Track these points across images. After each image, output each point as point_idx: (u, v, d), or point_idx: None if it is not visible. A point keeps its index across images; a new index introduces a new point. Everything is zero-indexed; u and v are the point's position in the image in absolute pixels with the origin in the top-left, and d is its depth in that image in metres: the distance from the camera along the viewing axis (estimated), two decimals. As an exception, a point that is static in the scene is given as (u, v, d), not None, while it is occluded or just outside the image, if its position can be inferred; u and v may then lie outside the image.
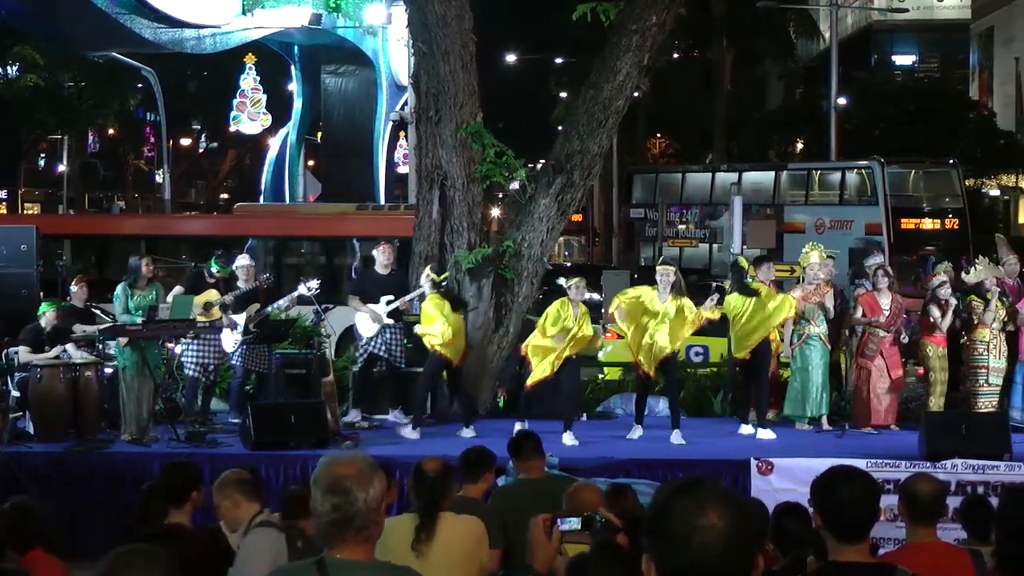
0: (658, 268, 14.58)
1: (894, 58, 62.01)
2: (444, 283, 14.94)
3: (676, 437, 13.88)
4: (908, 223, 30.73)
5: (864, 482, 4.69)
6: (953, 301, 14.62)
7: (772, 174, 35.78)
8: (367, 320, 15.29)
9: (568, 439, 13.75)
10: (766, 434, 14.06)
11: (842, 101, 42.76)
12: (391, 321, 15.27)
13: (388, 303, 15.28)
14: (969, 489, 11.72)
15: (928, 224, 31.23)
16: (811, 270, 15.03)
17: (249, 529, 6.94)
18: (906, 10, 53.92)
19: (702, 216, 37.99)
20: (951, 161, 34.08)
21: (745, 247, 21.53)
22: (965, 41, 58.61)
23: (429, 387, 14.99)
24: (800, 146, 50.55)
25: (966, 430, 12.76)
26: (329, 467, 4.16)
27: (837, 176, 33.79)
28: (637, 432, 14.19)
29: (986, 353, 14.61)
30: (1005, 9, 54.15)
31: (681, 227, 39.37)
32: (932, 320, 14.66)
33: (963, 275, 15.53)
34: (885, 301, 14.85)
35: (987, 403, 14.49)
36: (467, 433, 14.11)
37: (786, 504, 7.37)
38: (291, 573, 4.33)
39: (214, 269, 15.49)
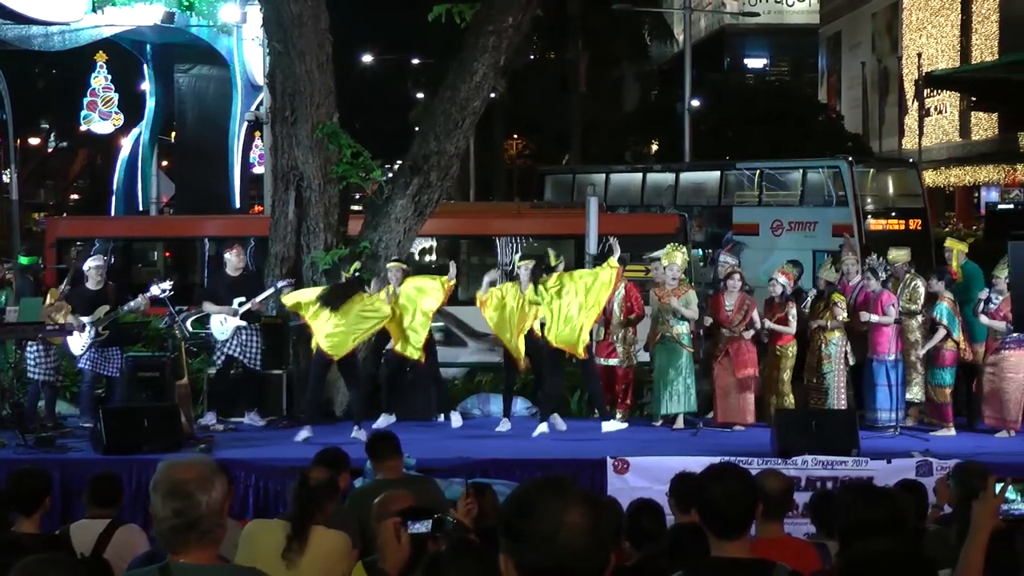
0: (519, 263, 14.91)
1: (746, 61, 63.16)
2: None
3: (610, 425, 14.35)
4: (877, 224, 29.36)
5: (739, 478, 4.76)
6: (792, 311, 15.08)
7: (717, 174, 34.21)
8: (219, 322, 15.16)
9: (456, 420, 14.90)
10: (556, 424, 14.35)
11: (696, 103, 43.39)
12: (244, 323, 15.16)
13: (240, 304, 15.15)
14: (818, 484, 11.94)
15: (894, 225, 29.95)
16: (669, 271, 15.22)
17: None
18: (757, 14, 54.91)
19: None
20: (911, 161, 33.75)
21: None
22: (814, 45, 59.89)
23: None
24: (655, 147, 51.17)
25: (816, 427, 13.04)
26: (169, 471, 4.09)
27: (795, 176, 32.39)
28: (506, 425, 14.75)
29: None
30: (852, 15, 55.45)
31: None
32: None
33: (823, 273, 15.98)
34: (730, 301, 15.14)
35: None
36: (455, 421, 14.89)
37: (640, 501, 7.45)
38: (134, 580, 4.27)
39: (24, 263, 15.22)
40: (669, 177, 35.33)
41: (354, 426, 13.93)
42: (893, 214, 29.98)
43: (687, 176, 35.26)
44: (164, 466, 4.13)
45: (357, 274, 14.40)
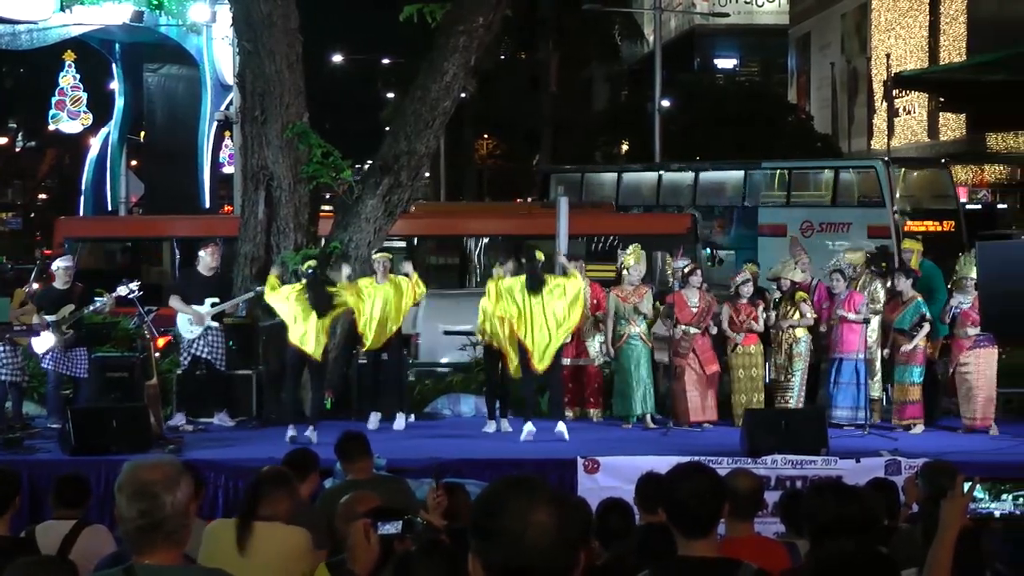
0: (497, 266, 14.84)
1: (716, 61, 63.35)
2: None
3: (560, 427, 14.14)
4: (915, 225, 28.33)
5: (707, 478, 4.78)
6: (764, 312, 15.11)
7: (740, 173, 33.30)
8: (188, 322, 15.10)
9: (399, 422, 14.68)
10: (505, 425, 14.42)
11: (666, 103, 43.47)
12: (215, 324, 15.12)
13: (213, 305, 15.10)
14: (788, 484, 11.97)
15: (929, 226, 28.88)
16: (635, 271, 15.33)
17: None
18: (727, 15, 55.06)
19: None
20: (943, 161, 33.32)
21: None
22: (784, 46, 60.11)
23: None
24: (626, 147, 51.24)
25: (785, 426, 13.08)
26: (134, 472, 4.07)
27: (827, 175, 31.60)
28: (492, 426, 14.78)
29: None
30: (821, 16, 55.67)
31: None
32: (720, 322, 15.14)
33: (771, 269, 16.05)
34: (694, 299, 15.21)
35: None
36: (398, 423, 14.76)
37: (610, 500, 7.46)
38: (97, 581, 4.24)
39: None
40: (687, 177, 34.50)
41: (310, 427, 13.87)
42: (941, 215, 29.22)
43: (708, 176, 34.46)
44: (129, 467, 4.10)
45: (311, 271, 14.30)
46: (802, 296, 15.07)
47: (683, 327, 15.04)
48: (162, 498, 4.00)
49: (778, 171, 32.90)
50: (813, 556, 5.10)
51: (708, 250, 26.06)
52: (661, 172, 35.65)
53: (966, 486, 4.61)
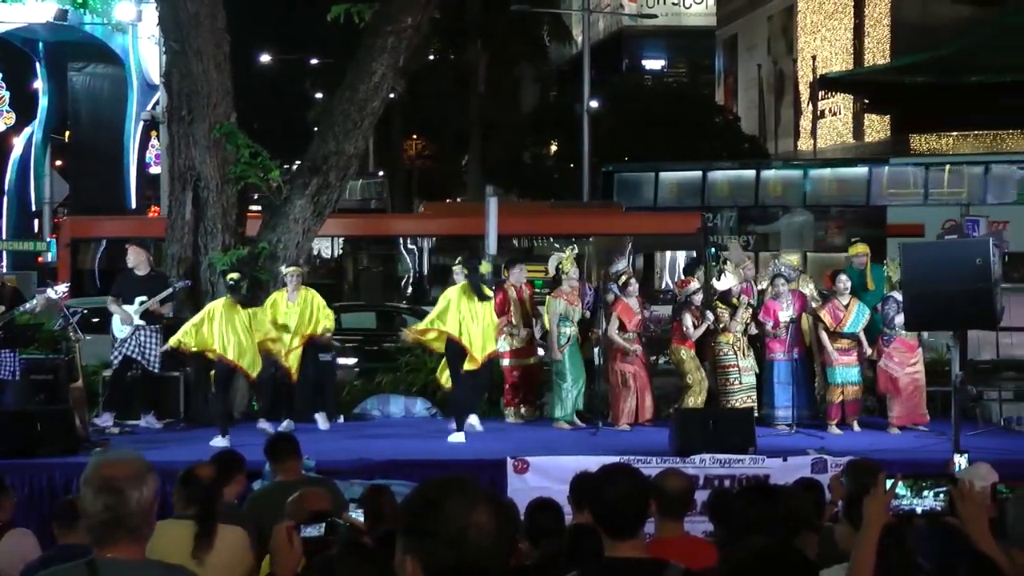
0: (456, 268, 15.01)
1: (644, 63, 63.56)
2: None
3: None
4: None
5: (633, 479, 4.81)
6: (710, 316, 15.16)
7: (864, 170, 31.17)
8: (119, 321, 15.00)
9: (322, 422, 14.82)
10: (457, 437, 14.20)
11: (595, 104, 43.58)
12: (143, 322, 15.00)
13: (141, 303, 15.00)
14: (716, 483, 12.04)
15: None
16: (573, 273, 15.42)
17: None
18: (655, 16, 55.28)
19: (742, 221, 30.66)
20: None
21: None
22: (711, 47, 60.46)
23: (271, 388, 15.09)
24: (554, 148, 51.34)
25: (713, 425, 13.16)
26: (101, 467, 4.09)
27: (974, 171, 29.53)
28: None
29: (732, 354, 15.18)
30: (747, 17, 56.07)
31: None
32: (684, 328, 15.17)
33: (713, 281, 16.09)
34: (635, 305, 15.32)
35: (742, 399, 15.04)
36: (321, 424, 14.86)
37: (539, 500, 7.48)
38: (60, 575, 4.22)
39: None
40: (794, 175, 32.49)
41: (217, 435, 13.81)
42: None
43: (819, 174, 32.46)
44: (96, 461, 4.13)
45: (232, 283, 14.18)
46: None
47: (632, 334, 15.21)
48: (128, 493, 4.02)
49: (915, 168, 31.05)
50: (722, 555, 5.15)
51: (713, 250, 25.40)
52: (759, 170, 33.08)
53: (888, 483, 4.67)
